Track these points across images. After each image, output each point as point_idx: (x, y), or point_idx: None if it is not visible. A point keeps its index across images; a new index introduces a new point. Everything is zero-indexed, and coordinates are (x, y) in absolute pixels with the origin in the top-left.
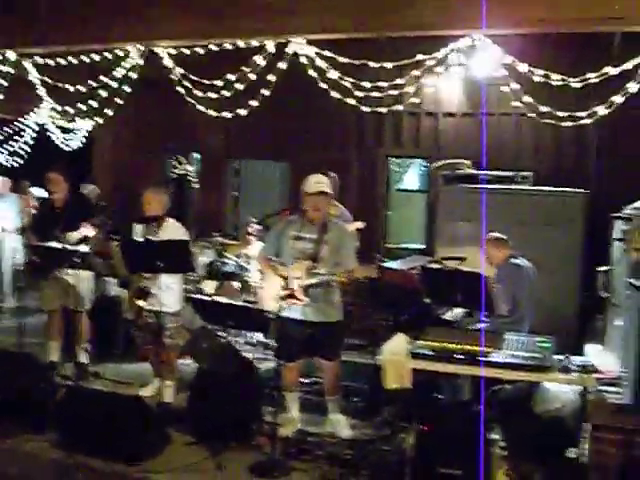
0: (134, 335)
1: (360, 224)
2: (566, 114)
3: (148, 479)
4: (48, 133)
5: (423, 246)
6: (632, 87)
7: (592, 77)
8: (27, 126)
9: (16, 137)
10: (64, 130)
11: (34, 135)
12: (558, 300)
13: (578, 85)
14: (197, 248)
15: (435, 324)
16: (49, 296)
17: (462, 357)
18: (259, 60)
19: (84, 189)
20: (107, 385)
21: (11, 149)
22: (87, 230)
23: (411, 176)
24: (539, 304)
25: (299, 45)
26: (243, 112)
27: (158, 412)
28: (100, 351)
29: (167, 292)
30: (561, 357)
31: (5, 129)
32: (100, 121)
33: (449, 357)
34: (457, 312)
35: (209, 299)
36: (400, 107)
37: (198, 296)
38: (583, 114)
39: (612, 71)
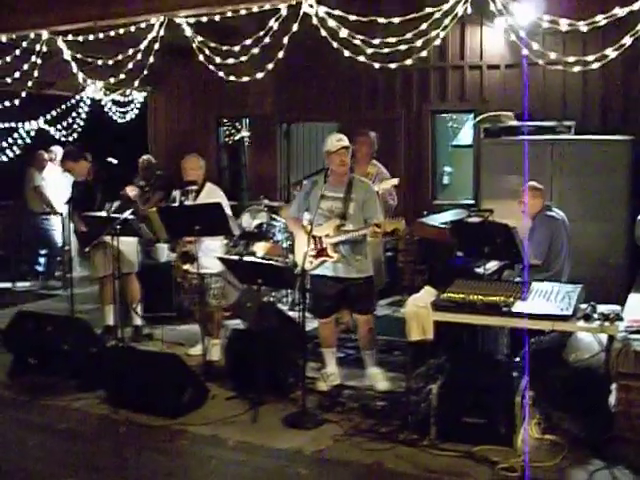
0: (182, 297)
1: (395, 181)
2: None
3: (188, 431)
4: (103, 107)
5: (472, 201)
6: None
7: (600, 19)
8: (82, 102)
9: (72, 113)
10: (118, 103)
11: (88, 110)
12: (606, 249)
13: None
14: (250, 211)
15: (466, 277)
16: (98, 264)
17: (483, 308)
18: (273, 23)
19: (141, 160)
20: (159, 346)
21: (67, 125)
22: (132, 192)
23: (466, 131)
24: (586, 254)
25: (310, 5)
26: (260, 75)
27: (202, 369)
28: (154, 314)
29: (209, 254)
30: (585, 305)
31: (62, 106)
32: (152, 92)
33: (470, 308)
34: (492, 265)
35: (236, 258)
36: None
37: (226, 256)
38: (591, 58)
39: (620, 12)
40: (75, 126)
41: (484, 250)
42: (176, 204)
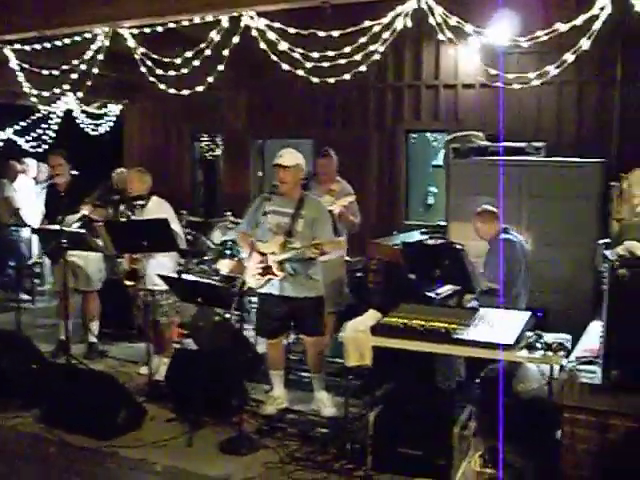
0: (135, 314)
1: (350, 198)
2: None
3: (117, 454)
4: (76, 119)
5: (444, 222)
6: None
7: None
8: (54, 113)
9: (43, 124)
10: (91, 116)
11: (60, 121)
12: (574, 275)
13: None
14: (220, 228)
15: (416, 301)
16: (56, 278)
17: (422, 334)
18: (214, 35)
19: (114, 173)
20: (111, 364)
21: (37, 136)
22: (86, 210)
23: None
24: (553, 280)
25: (250, 18)
26: (200, 88)
27: (147, 389)
28: (115, 330)
29: (159, 270)
30: (530, 334)
31: (32, 117)
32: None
33: (410, 333)
34: (445, 289)
35: (176, 276)
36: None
37: (166, 274)
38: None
39: (562, 27)
40: (45, 137)
41: (434, 273)
42: (123, 219)
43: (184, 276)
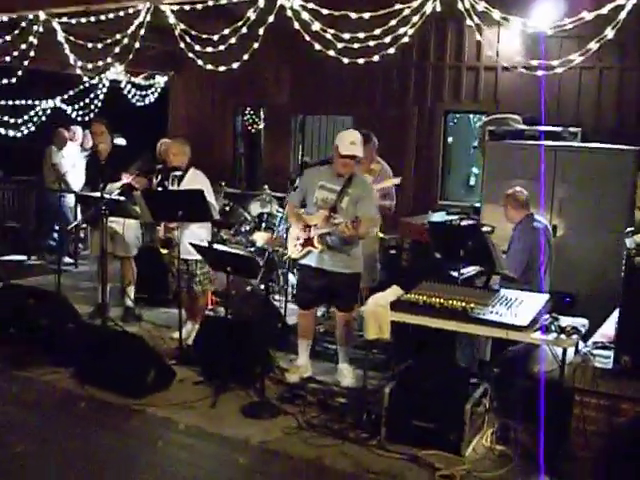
0: (170, 281)
1: (396, 180)
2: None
3: (144, 412)
4: (123, 90)
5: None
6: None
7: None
8: (102, 83)
9: (91, 94)
10: (138, 86)
11: (107, 92)
12: (604, 262)
13: None
14: (260, 201)
15: (439, 279)
16: (94, 243)
17: (440, 312)
18: (251, 14)
19: (159, 143)
20: (146, 328)
21: (85, 105)
22: (127, 178)
23: None
24: (584, 265)
25: None
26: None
27: (178, 352)
28: (147, 296)
29: (193, 240)
30: (546, 317)
31: (80, 86)
32: (173, 77)
33: (428, 311)
34: (470, 269)
35: (207, 246)
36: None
37: (199, 243)
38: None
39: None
40: (92, 107)
41: (459, 253)
42: (159, 188)
43: (215, 245)
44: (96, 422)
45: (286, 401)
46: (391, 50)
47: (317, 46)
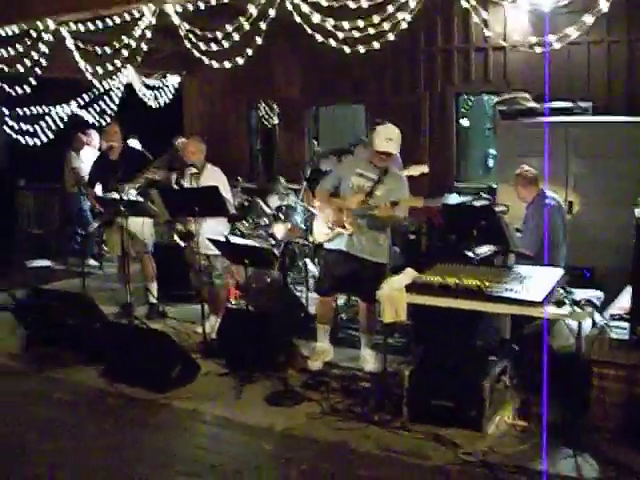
0: (191, 276)
1: (425, 168)
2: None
3: (171, 405)
4: (137, 92)
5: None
6: None
7: None
8: (116, 87)
9: (105, 97)
10: (151, 88)
11: (121, 94)
12: (621, 236)
13: None
14: (279, 194)
15: (455, 259)
16: (113, 244)
17: (455, 291)
18: (252, 9)
19: (178, 142)
20: (171, 324)
21: (101, 110)
22: (151, 174)
23: None
24: (600, 240)
25: None
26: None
27: (202, 346)
28: (171, 292)
29: (211, 235)
30: (560, 291)
31: (94, 91)
32: (186, 76)
33: (443, 291)
34: (484, 249)
35: (224, 240)
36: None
37: (215, 237)
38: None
39: None
40: (108, 110)
41: (473, 233)
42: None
43: (231, 239)
44: (125, 418)
45: (310, 388)
46: (391, 37)
47: (319, 37)
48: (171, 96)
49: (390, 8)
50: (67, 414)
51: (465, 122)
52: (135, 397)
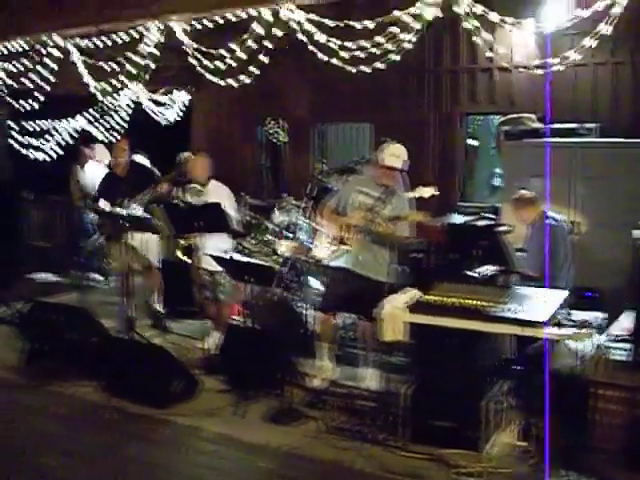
0: (195, 292)
1: (432, 190)
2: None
3: (170, 421)
4: (144, 108)
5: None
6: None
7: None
8: (123, 103)
9: (113, 113)
10: (158, 104)
11: (130, 111)
12: (627, 257)
13: None
14: (282, 210)
15: (457, 279)
16: (116, 259)
17: (456, 311)
18: (256, 27)
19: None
20: (174, 339)
21: (110, 126)
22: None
23: None
24: (606, 262)
25: (289, 11)
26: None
27: (204, 362)
28: (175, 308)
29: (217, 251)
30: (562, 312)
31: (102, 106)
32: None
33: (445, 311)
34: (488, 269)
35: (226, 257)
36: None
37: (217, 254)
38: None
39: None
40: (116, 126)
41: (475, 253)
42: (180, 202)
43: (232, 255)
44: (124, 433)
45: (310, 406)
46: (395, 57)
47: (321, 56)
48: (180, 112)
49: (394, 29)
50: (65, 428)
51: (474, 142)
52: (134, 412)
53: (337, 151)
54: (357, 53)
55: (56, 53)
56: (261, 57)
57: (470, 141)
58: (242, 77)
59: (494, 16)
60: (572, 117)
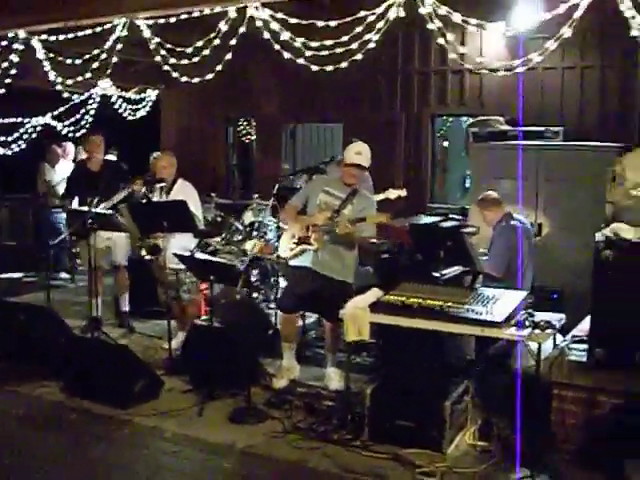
0: (159, 292)
1: (402, 192)
2: None
3: (132, 422)
4: (114, 104)
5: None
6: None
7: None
8: (92, 99)
9: (81, 110)
10: (129, 101)
11: (97, 107)
12: (590, 259)
13: None
14: (253, 210)
15: (422, 280)
16: (83, 257)
17: (418, 311)
18: (222, 26)
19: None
20: (139, 339)
21: (76, 121)
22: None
23: None
24: (570, 264)
25: (255, 9)
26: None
27: (168, 362)
28: (140, 308)
29: (182, 250)
30: (522, 313)
31: (70, 102)
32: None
33: (406, 311)
34: (452, 269)
35: (190, 256)
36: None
37: (181, 252)
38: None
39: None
40: (83, 122)
41: (439, 254)
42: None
43: (196, 254)
44: (85, 433)
45: (273, 406)
46: (359, 56)
47: (286, 54)
48: (149, 109)
49: (358, 28)
50: (27, 429)
51: (445, 143)
52: (96, 413)
53: (307, 151)
54: (324, 52)
55: (21, 48)
56: (229, 56)
57: (442, 142)
58: (210, 76)
59: (457, 17)
60: (540, 120)
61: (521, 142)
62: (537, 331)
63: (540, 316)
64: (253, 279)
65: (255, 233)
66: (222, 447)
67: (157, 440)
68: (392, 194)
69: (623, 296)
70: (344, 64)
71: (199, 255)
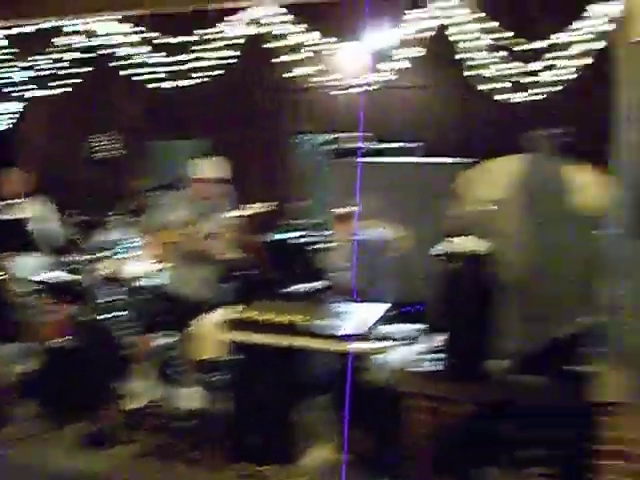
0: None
1: (261, 207)
2: None
3: None
4: None
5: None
6: None
7: None
8: None
9: None
10: None
11: None
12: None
13: None
14: (106, 227)
15: (273, 296)
16: None
17: (270, 328)
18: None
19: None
20: None
21: None
22: None
23: None
24: (421, 276)
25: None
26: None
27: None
28: None
29: (25, 270)
30: (373, 326)
31: None
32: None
33: (259, 328)
34: (308, 285)
35: (36, 278)
36: None
37: (26, 274)
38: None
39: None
40: None
41: (293, 270)
42: None
43: (44, 276)
44: None
45: (129, 428)
46: (216, 73)
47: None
48: (10, 122)
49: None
50: None
51: (306, 160)
52: None
53: (168, 167)
54: (173, 68)
55: None
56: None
57: (301, 159)
58: (65, 89)
59: (315, 35)
60: (403, 137)
61: (377, 159)
62: (384, 343)
63: (395, 328)
64: (107, 299)
65: (111, 251)
66: (75, 474)
67: (6, 470)
68: (246, 210)
69: (463, 307)
70: (199, 80)
71: (45, 275)
